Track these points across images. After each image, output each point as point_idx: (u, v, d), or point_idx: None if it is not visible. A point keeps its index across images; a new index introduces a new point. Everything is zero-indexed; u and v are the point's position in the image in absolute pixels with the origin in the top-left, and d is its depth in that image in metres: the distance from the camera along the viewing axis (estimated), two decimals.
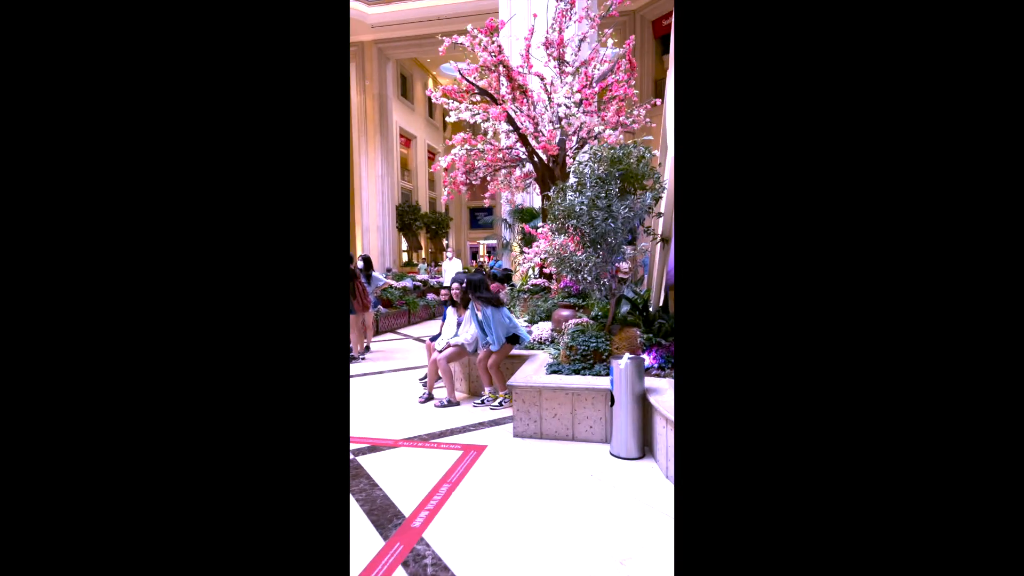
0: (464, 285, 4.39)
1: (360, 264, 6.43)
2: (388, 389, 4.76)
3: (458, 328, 4.41)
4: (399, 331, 8.64)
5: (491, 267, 12.64)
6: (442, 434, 3.47)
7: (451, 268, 9.96)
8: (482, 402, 4.06)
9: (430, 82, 22.67)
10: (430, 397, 4.31)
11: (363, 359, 6.05)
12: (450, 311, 4.52)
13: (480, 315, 4.11)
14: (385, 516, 2.35)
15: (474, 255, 28.45)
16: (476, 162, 6.46)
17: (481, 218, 27.09)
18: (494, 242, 27.80)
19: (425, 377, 4.94)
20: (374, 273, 6.92)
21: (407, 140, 20.86)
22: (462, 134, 6.20)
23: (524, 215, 10.50)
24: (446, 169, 6.27)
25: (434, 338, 4.90)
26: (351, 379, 5.13)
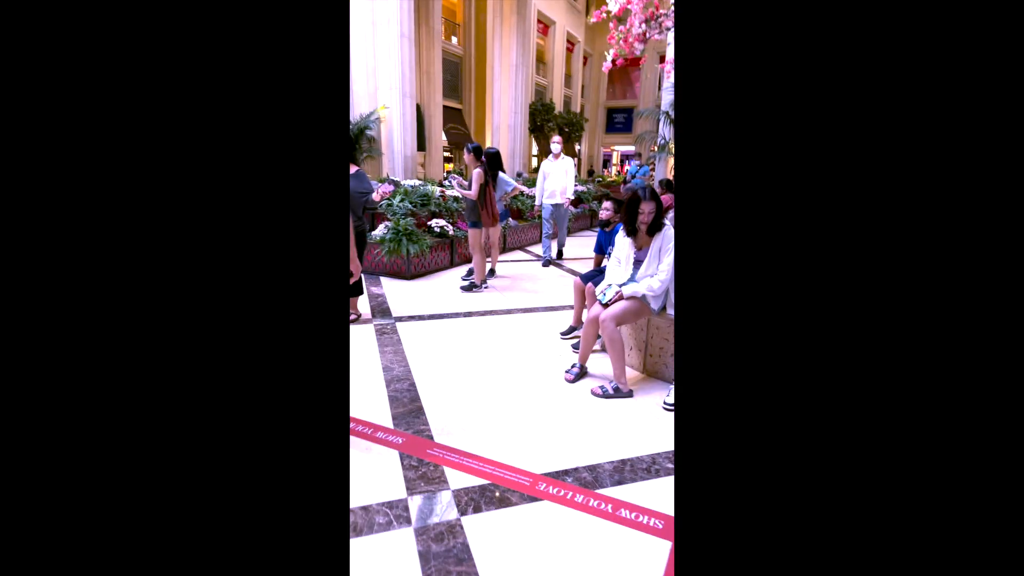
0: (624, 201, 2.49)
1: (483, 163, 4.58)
2: (519, 344, 3.21)
3: (634, 269, 2.60)
4: (528, 249, 7.04)
5: (631, 174, 10.14)
6: (617, 471, 1.84)
7: (555, 171, 5.52)
8: None
9: None
10: (583, 372, 2.68)
11: (486, 288, 4.57)
12: (620, 240, 2.67)
13: None
14: None
15: (605, 163, 25.35)
16: (662, 8, 4.15)
17: (619, 120, 23.66)
18: (631, 148, 24.40)
19: (573, 334, 3.30)
20: (502, 175, 5.04)
21: (544, 27, 17.90)
22: None
23: None
24: (617, 17, 4.05)
25: (589, 277, 3.15)
26: (471, 317, 3.68)
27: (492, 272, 5.04)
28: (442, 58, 13.74)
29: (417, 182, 6.43)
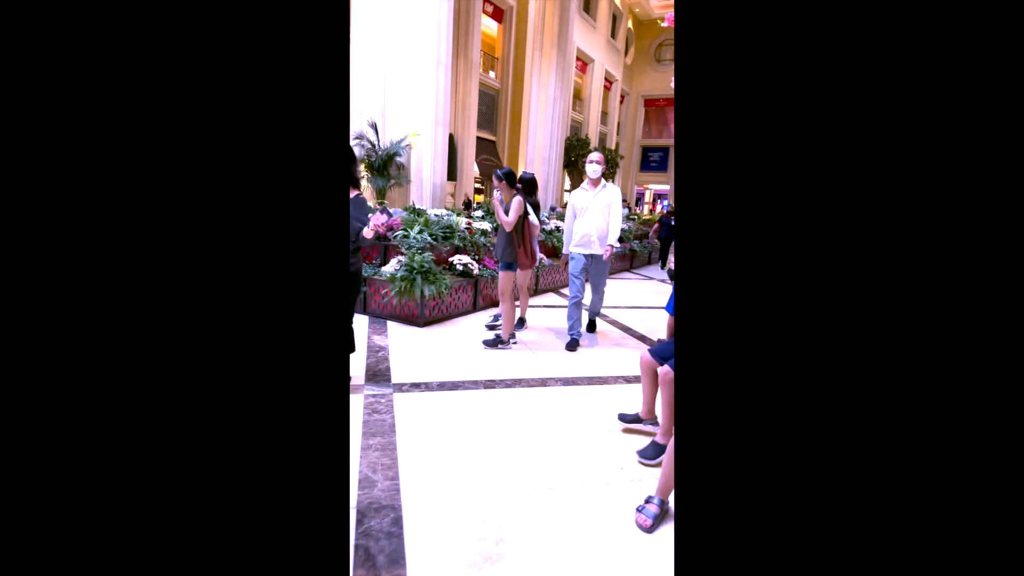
0: None
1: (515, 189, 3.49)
2: (561, 441, 2.25)
3: None
4: (563, 292, 6.14)
5: (667, 210, 9.22)
6: None
7: (592, 207, 3.67)
8: None
9: None
10: (664, 512, 1.71)
11: (514, 343, 3.65)
12: None
13: None
14: None
15: (638, 200, 24.48)
16: None
17: (654, 159, 22.94)
18: (665, 187, 23.50)
19: (638, 426, 2.32)
20: (529, 211, 3.57)
21: (583, 64, 17.52)
22: None
23: None
24: None
25: (664, 354, 2.19)
26: (493, 389, 2.76)
27: (522, 321, 4.13)
28: (479, 90, 13.32)
29: (443, 212, 5.65)
